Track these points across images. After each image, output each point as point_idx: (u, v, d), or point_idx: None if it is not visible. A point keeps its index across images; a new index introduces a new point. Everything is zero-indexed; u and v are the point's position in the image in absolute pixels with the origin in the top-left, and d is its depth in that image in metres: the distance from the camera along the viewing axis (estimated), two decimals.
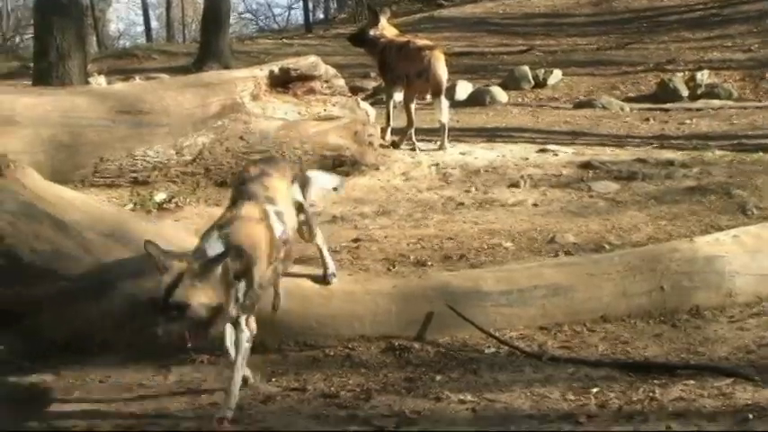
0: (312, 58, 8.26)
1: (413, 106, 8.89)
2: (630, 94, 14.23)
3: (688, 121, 11.57)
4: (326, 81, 8.17)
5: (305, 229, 4.69)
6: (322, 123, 7.91)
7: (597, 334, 4.94)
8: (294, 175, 4.61)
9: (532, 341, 4.85)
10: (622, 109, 12.85)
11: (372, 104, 10.63)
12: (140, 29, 41.48)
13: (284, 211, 4.31)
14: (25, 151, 6.37)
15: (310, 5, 31.96)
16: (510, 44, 19.38)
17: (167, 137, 7.32)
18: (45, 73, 11.97)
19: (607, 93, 14.29)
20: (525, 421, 3.91)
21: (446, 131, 8.98)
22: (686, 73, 14.54)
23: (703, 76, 14.17)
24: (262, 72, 7.92)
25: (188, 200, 7.12)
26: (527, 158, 8.64)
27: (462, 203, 7.43)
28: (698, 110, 12.47)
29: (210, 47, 18.59)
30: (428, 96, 8.96)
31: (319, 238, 4.89)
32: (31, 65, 13.79)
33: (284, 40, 24.25)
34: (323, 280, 4.93)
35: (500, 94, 13.97)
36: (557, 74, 15.32)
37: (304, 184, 4.68)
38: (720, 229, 6.19)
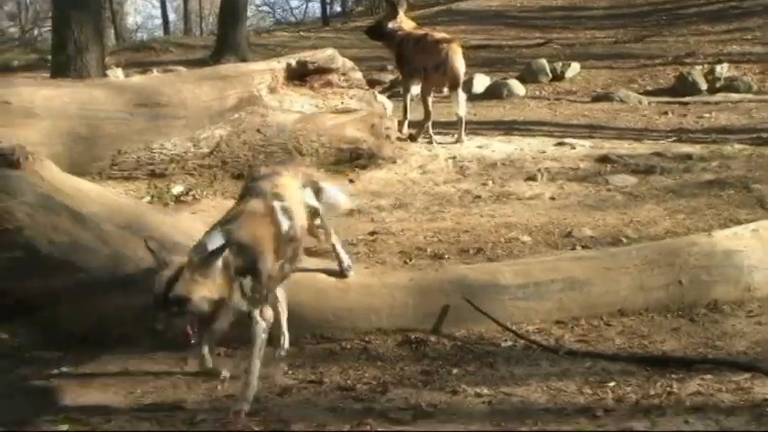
0: (329, 51, 8.27)
1: (430, 99, 8.89)
2: (649, 88, 14.13)
3: (707, 115, 11.47)
4: (344, 74, 8.18)
5: (321, 233, 4.69)
6: (339, 116, 7.92)
7: (614, 328, 4.91)
8: (306, 177, 4.61)
9: (549, 335, 4.83)
10: (640, 102, 12.77)
11: (389, 97, 10.66)
12: (158, 22, 41.61)
13: (292, 208, 4.29)
14: (43, 143, 6.42)
15: None
16: (527, 37, 19.31)
17: (184, 129, 7.35)
18: (63, 66, 12.06)
19: (625, 86, 14.19)
20: (541, 415, 3.90)
21: (463, 124, 8.97)
22: (705, 66, 14.40)
23: (722, 70, 14.02)
24: (279, 65, 7.94)
25: (205, 192, 7.14)
26: (544, 152, 8.62)
27: (479, 197, 7.42)
28: (717, 103, 12.35)
29: (228, 39, 18.58)
30: (445, 89, 8.96)
31: (333, 237, 4.88)
32: (50, 57, 13.85)
33: (301, 32, 24.26)
34: (340, 273, 4.93)
35: (517, 87, 13.90)
36: (574, 67, 15.22)
37: (318, 190, 4.64)
38: (739, 223, 6.15)
